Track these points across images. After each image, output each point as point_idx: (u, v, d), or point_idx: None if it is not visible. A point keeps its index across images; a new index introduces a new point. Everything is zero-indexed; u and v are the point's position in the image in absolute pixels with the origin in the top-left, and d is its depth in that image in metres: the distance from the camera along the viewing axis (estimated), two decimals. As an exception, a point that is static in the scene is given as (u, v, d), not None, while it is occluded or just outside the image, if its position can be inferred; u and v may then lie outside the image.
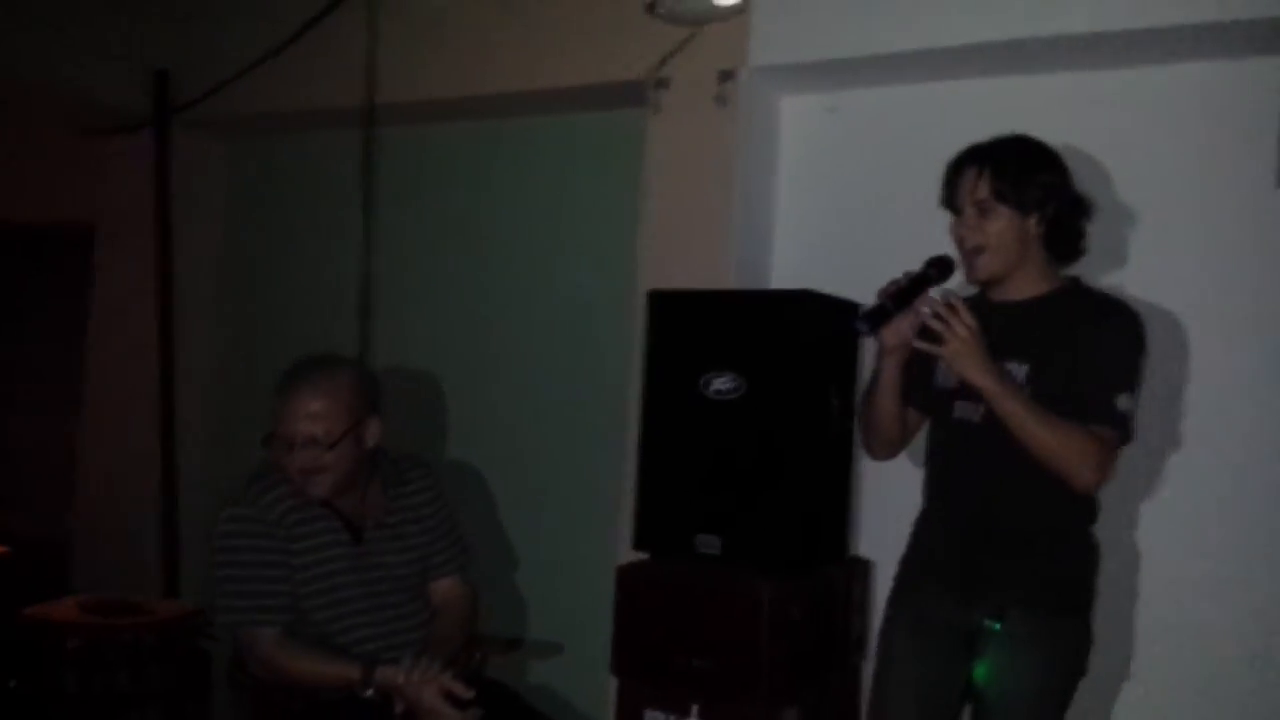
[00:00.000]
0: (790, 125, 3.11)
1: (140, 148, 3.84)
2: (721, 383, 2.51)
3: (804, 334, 2.51)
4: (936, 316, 2.01)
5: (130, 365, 3.92)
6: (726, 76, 2.90)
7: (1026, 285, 2.14)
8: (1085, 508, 2.15)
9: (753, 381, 2.48)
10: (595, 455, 3.25)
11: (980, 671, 2.11)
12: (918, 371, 2.25)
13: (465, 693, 2.13)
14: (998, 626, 2.07)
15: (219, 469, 3.85)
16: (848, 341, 2.79)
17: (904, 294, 2.07)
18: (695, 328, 2.59)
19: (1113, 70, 2.69)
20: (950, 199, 2.18)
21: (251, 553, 2.27)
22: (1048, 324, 2.11)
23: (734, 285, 2.88)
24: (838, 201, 3.04)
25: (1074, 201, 2.14)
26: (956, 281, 2.22)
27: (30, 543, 4.26)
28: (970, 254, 2.14)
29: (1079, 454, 1.97)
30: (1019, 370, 2.08)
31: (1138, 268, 2.64)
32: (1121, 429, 2.01)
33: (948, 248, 2.83)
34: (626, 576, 2.61)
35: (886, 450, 2.36)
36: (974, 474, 2.16)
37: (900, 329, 2.13)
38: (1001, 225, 2.10)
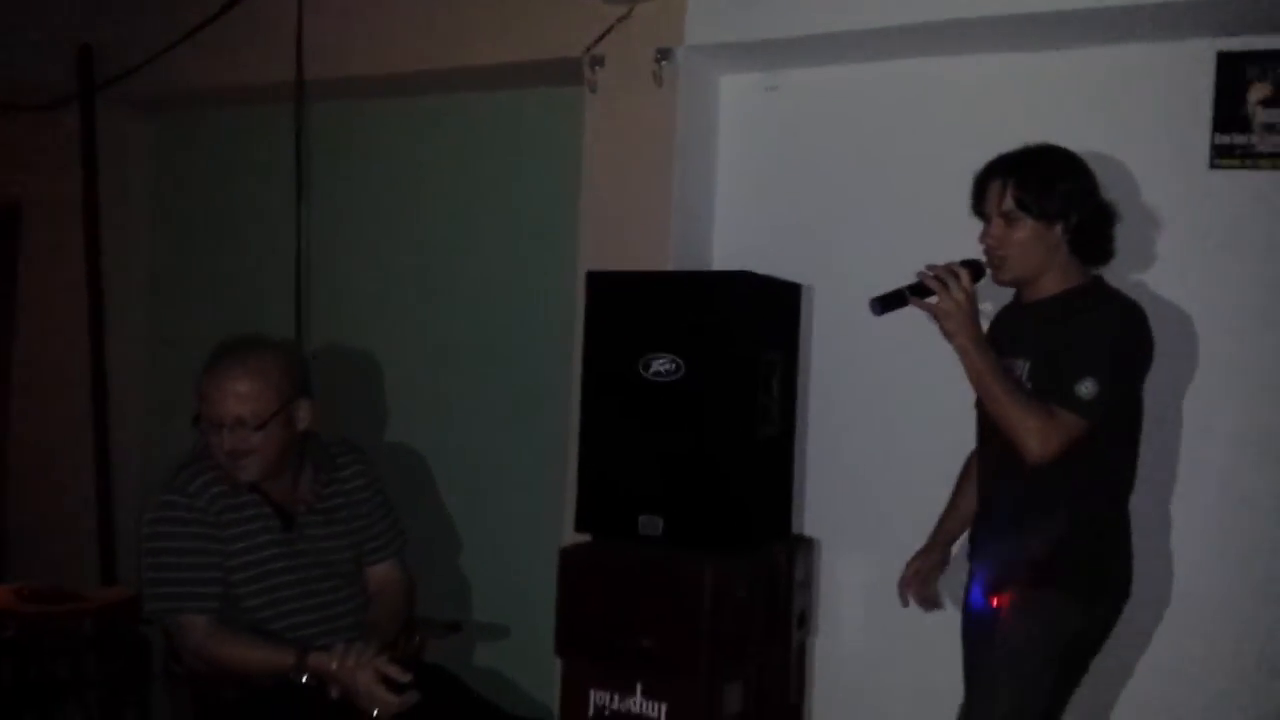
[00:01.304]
0: (730, 105, 3.10)
1: (65, 125, 3.74)
2: (660, 364, 2.52)
3: (741, 314, 2.52)
4: (936, 278, 2.10)
5: (60, 348, 3.85)
6: (663, 55, 2.88)
7: (1050, 285, 2.22)
8: (1089, 491, 2.19)
9: (691, 362, 2.49)
10: (539, 437, 3.25)
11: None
12: None
13: (401, 676, 2.13)
14: (993, 602, 2.20)
15: (154, 454, 3.80)
16: (788, 320, 2.81)
17: (923, 287, 2.13)
18: (634, 309, 2.60)
19: (1048, 51, 2.71)
20: (978, 207, 2.25)
21: (181, 540, 2.24)
22: (1053, 321, 2.17)
23: (674, 266, 2.88)
24: (778, 181, 3.05)
25: (1098, 209, 2.21)
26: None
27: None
28: (997, 260, 2.22)
29: (1029, 427, 2.05)
30: (1021, 366, 2.18)
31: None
32: (1080, 412, 2.06)
33: (883, 224, 2.90)
34: (569, 559, 2.62)
35: None
36: (981, 457, 2.38)
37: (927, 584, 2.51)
38: (1026, 234, 2.17)
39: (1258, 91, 2.51)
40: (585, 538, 2.68)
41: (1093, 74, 2.69)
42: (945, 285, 2.09)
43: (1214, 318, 2.59)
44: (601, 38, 2.94)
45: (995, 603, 2.19)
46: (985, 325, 2.21)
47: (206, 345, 2.44)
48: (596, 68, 2.97)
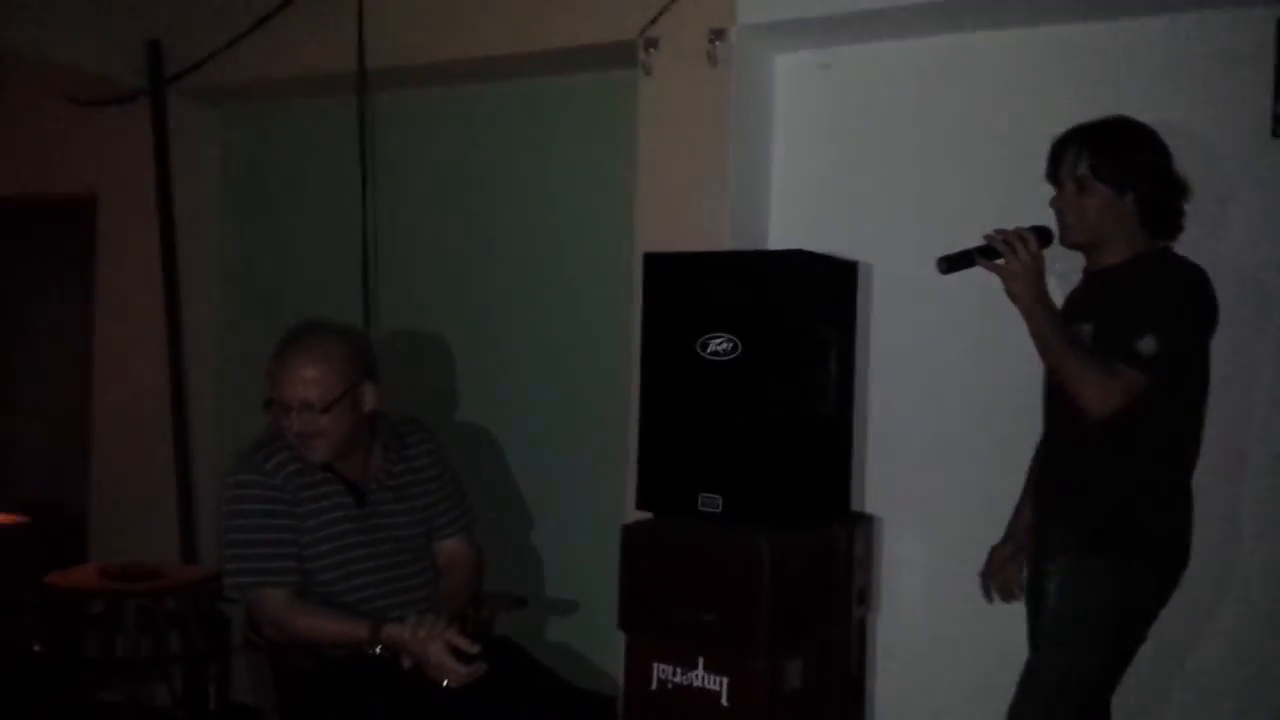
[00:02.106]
0: (784, 83, 3.11)
1: (138, 118, 3.85)
2: (717, 344, 2.55)
3: (796, 293, 2.54)
4: (1005, 240, 2.14)
5: (138, 334, 3.96)
6: (717, 35, 2.89)
7: (1117, 254, 2.26)
8: (1131, 452, 2.21)
9: (748, 342, 2.51)
10: (603, 415, 3.29)
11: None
12: None
13: (470, 647, 2.20)
14: (1051, 568, 2.29)
15: (230, 434, 3.90)
16: (845, 298, 2.82)
17: (993, 251, 2.16)
18: (690, 289, 2.62)
19: (1111, 21, 2.69)
20: (1053, 173, 2.30)
21: (258, 517, 2.32)
22: (1118, 287, 2.22)
23: (730, 246, 2.90)
24: (834, 159, 3.05)
25: (1170, 183, 2.25)
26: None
27: (49, 511, 4.33)
28: (1066, 225, 2.27)
29: (1090, 381, 2.08)
30: (1087, 330, 2.22)
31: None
32: (1140, 367, 2.09)
33: (940, 200, 2.90)
34: (630, 536, 2.66)
35: None
36: (1050, 428, 2.40)
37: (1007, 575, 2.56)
38: (1097, 201, 2.22)
39: (1319, 59, 2.46)
40: (647, 515, 2.72)
41: (1152, 44, 2.66)
42: (1013, 248, 2.12)
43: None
44: (655, 19, 2.96)
45: (1058, 574, 2.24)
46: (1056, 299, 2.24)
47: (277, 329, 2.51)
48: (651, 50, 2.99)
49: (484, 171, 3.57)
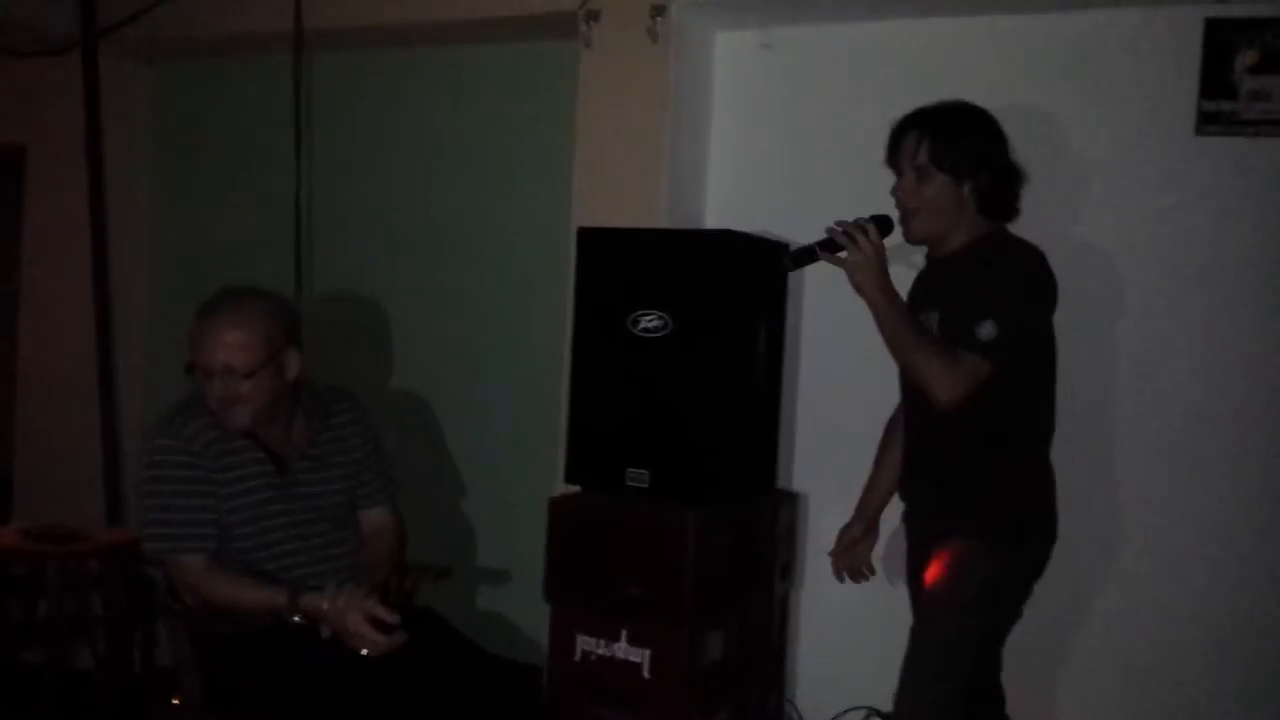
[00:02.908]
0: (725, 62, 3.12)
1: (69, 71, 3.76)
2: (648, 320, 2.57)
3: (727, 272, 2.56)
4: (845, 233, 2.12)
5: (65, 290, 3.89)
6: (658, 11, 2.89)
7: (955, 240, 2.26)
8: (1011, 441, 2.25)
9: (678, 319, 2.54)
10: (538, 387, 3.30)
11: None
12: None
13: (389, 617, 2.20)
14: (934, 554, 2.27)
15: (157, 396, 3.85)
16: (776, 278, 2.84)
17: (832, 242, 2.14)
18: (623, 266, 2.64)
19: (1039, 14, 2.74)
20: (892, 160, 2.30)
21: (176, 482, 2.30)
22: (959, 273, 2.23)
23: (667, 223, 2.92)
24: (773, 139, 3.08)
25: (1008, 170, 2.26)
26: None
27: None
28: (907, 215, 2.26)
29: (934, 372, 2.08)
30: (932, 317, 2.22)
31: (1064, 207, 2.72)
32: (983, 354, 2.09)
33: (879, 185, 2.91)
34: (558, 509, 2.68)
35: None
36: (911, 416, 2.38)
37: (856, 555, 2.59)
38: (936, 190, 2.21)
39: (1245, 58, 2.52)
40: (576, 489, 2.74)
41: (1082, 39, 2.72)
42: (854, 240, 2.11)
43: (1197, 284, 2.63)
44: (597, -8, 2.95)
45: (932, 559, 2.25)
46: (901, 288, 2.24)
47: (207, 291, 2.47)
48: (591, 23, 2.98)
49: (421, 137, 3.54)
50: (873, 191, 2.87)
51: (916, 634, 2.28)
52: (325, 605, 2.19)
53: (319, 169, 3.59)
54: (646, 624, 2.56)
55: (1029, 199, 2.63)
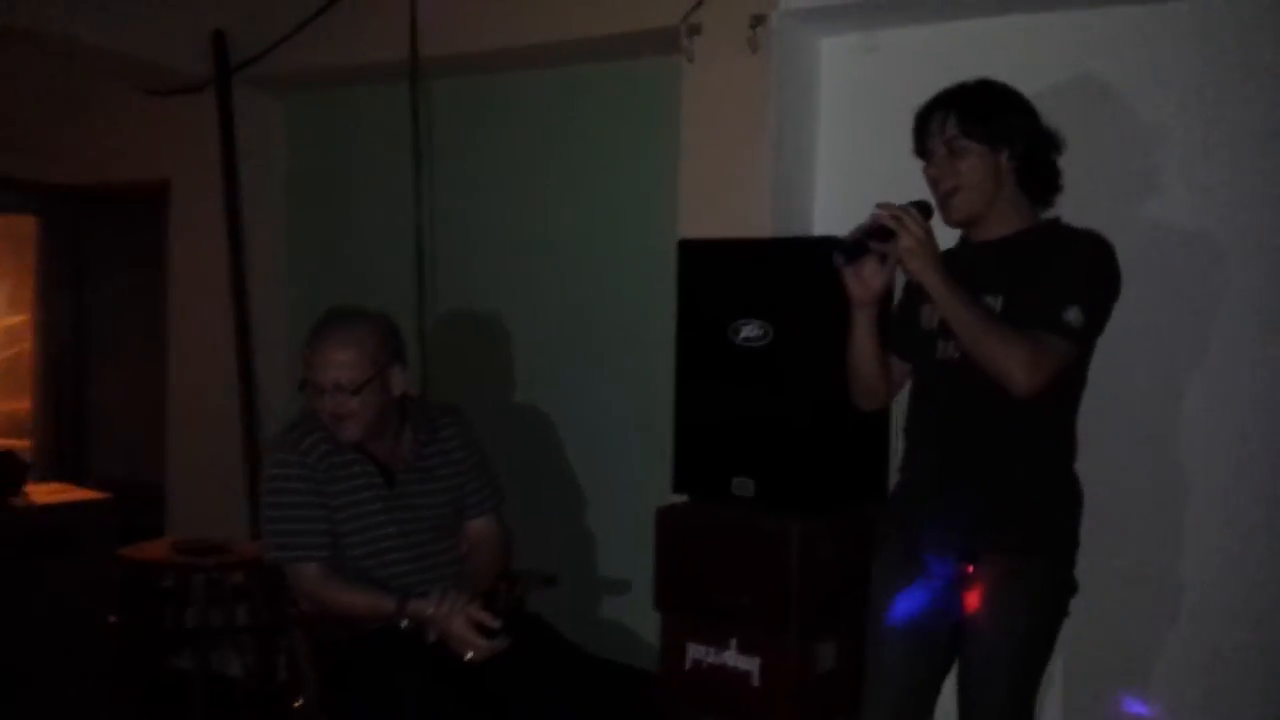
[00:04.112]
0: (830, 67, 3.10)
1: (207, 107, 3.97)
2: (749, 330, 2.58)
3: (828, 280, 2.53)
4: (894, 217, 2.02)
5: (208, 316, 4.10)
6: (758, 21, 2.90)
7: (1003, 224, 2.16)
8: (1059, 449, 2.16)
9: (779, 328, 2.54)
10: (653, 398, 3.32)
11: (963, 619, 2.16)
12: (901, 317, 2.31)
13: (491, 622, 2.28)
14: (970, 569, 2.12)
15: (296, 414, 4.01)
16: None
17: (884, 231, 2.04)
18: (723, 276, 2.66)
19: (1151, 5, 2.65)
20: (921, 145, 2.21)
21: (293, 494, 2.43)
22: (1022, 258, 2.12)
23: (774, 233, 2.91)
24: (882, 143, 3.00)
25: (1044, 136, 2.17)
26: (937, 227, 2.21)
27: (128, 488, 4.51)
28: (945, 196, 2.16)
29: (1017, 355, 1.96)
30: (994, 303, 2.10)
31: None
32: (1067, 337, 2.00)
33: None
34: (665, 518, 2.71)
35: (870, 400, 2.35)
36: (953, 413, 2.19)
37: (870, 283, 2.12)
38: (973, 162, 2.12)
39: None
40: (684, 498, 2.76)
41: (1194, 26, 2.61)
42: (904, 224, 2.01)
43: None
44: (698, 5, 2.97)
45: (982, 570, 2.11)
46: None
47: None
48: (694, 36, 3.00)
49: (533, 156, 3.62)
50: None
51: (973, 673, 2.15)
52: (431, 611, 2.28)
53: (439, 191, 3.71)
54: (755, 633, 2.56)
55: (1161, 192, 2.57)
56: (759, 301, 2.57)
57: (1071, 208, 2.24)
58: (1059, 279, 2.04)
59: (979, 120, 2.11)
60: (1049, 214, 2.23)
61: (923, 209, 2.09)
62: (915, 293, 2.21)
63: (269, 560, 2.47)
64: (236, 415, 4.05)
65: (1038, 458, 2.14)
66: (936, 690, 2.26)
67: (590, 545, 3.56)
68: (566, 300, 3.58)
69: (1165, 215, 2.65)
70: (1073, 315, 1.99)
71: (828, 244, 2.51)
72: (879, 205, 2.06)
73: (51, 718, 3.68)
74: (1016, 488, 2.12)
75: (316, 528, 2.42)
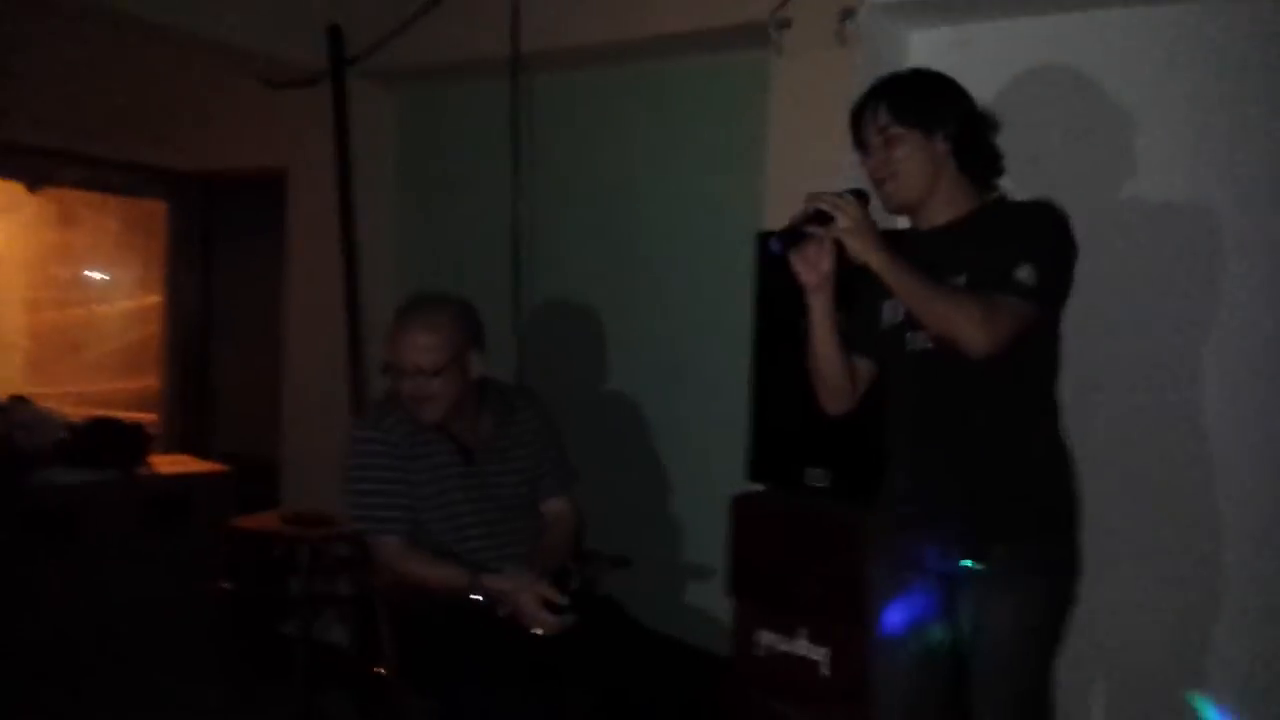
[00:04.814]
0: (920, 61, 3.06)
1: (321, 98, 4.14)
2: (824, 321, 2.59)
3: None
4: (828, 201, 2.02)
5: (321, 301, 4.28)
6: (847, 14, 2.90)
7: (950, 207, 2.14)
8: (1048, 421, 2.14)
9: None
10: (736, 389, 3.36)
11: (967, 616, 2.13)
12: (863, 315, 2.27)
13: (559, 599, 2.38)
14: (979, 567, 2.09)
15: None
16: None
17: (821, 215, 2.02)
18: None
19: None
20: (857, 139, 2.20)
21: (376, 470, 2.56)
22: (978, 236, 2.10)
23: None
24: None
25: (978, 118, 2.17)
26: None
27: (247, 461, 4.76)
28: (881, 183, 2.15)
29: (971, 315, 1.93)
30: (958, 281, 2.06)
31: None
32: (1019, 294, 1.97)
33: (1083, 174, 2.84)
34: (740, 506, 2.75)
35: (836, 401, 2.29)
36: (934, 403, 2.16)
37: (817, 264, 2.10)
38: (907, 148, 2.11)
39: None
40: (758, 487, 2.81)
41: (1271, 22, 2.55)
42: (840, 208, 2.00)
43: None
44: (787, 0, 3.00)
45: (994, 563, 2.08)
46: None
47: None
48: (783, 30, 3.03)
49: (626, 150, 3.69)
50: (1078, 179, 2.83)
51: (985, 670, 2.13)
52: (502, 586, 2.38)
53: (537, 184, 3.80)
54: (825, 623, 2.59)
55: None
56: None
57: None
58: (1009, 243, 2.02)
59: (910, 106, 2.11)
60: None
61: (859, 195, 2.08)
62: (871, 290, 2.18)
63: (353, 532, 2.60)
64: (345, 395, 4.22)
65: (1026, 432, 2.12)
66: (949, 696, 2.22)
67: (670, 530, 3.62)
68: (654, 291, 3.64)
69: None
70: (1024, 273, 1.97)
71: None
72: (809, 195, 2.05)
73: (164, 677, 3.91)
74: (1012, 467, 2.10)
75: (398, 502, 2.54)
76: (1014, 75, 2.95)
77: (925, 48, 3.07)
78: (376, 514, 2.55)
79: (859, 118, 2.18)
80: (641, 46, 3.43)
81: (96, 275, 5.45)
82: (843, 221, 1.99)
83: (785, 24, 3.02)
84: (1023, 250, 2.00)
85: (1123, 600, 2.72)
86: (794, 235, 2.06)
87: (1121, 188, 2.79)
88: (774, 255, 2.09)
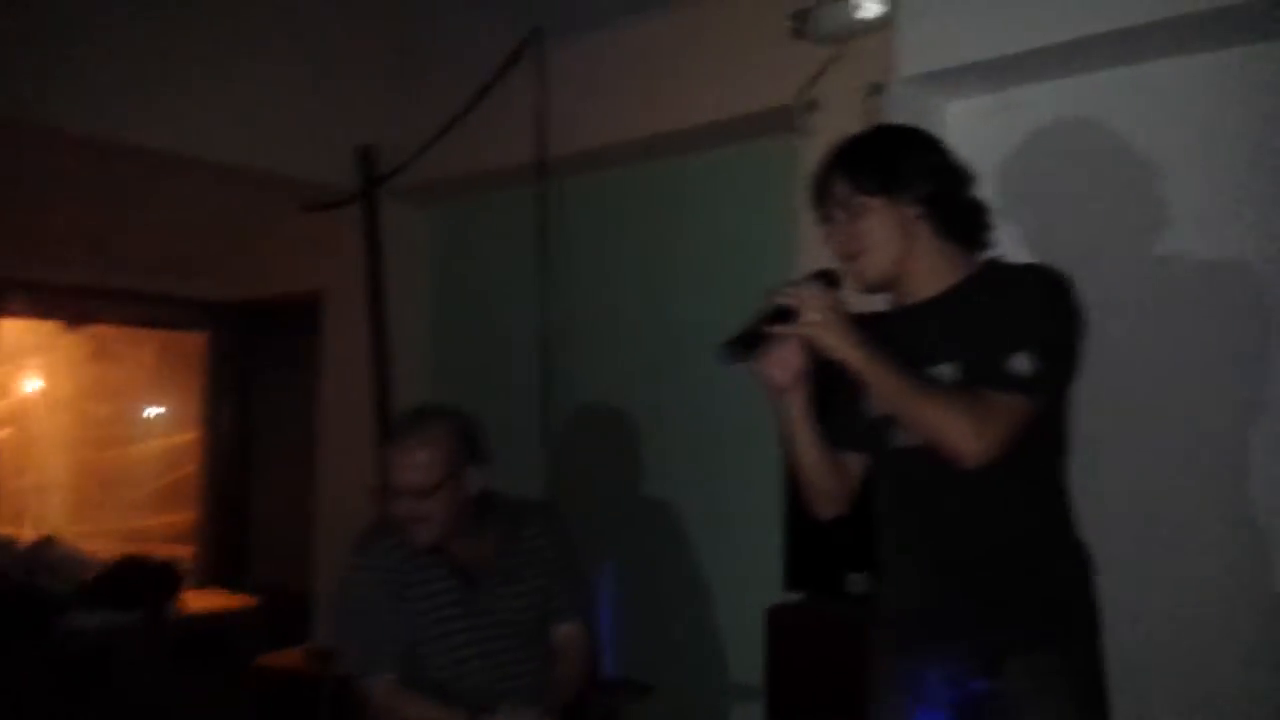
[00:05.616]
0: (960, 131, 2.90)
1: (352, 219, 4.09)
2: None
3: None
4: (791, 295, 1.76)
5: (354, 423, 4.15)
6: (875, 90, 2.76)
7: (934, 279, 1.86)
8: (1058, 512, 1.85)
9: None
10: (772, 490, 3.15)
11: None
12: (842, 409, 1.96)
13: None
14: (991, 686, 1.76)
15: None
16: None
17: (780, 312, 1.76)
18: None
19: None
20: (822, 214, 1.93)
21: (367, 602, 2.35)
22: (967, 313, 1.81)
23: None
24: (1018, 204, 2.80)
25: (950, 173, 1.88)
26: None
27: (281, 593, 4.58)
28: (851, 261, 1.88)
29: (955, 418, 1.66)
30: (947, 372, 1.79)
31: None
32: (1017, 389, 1.68)
33: (1145, 235, 2.61)
34: (776, 619, 2.48)
35: (826, 505, 1.99)
36: (927, 505, 1.86)
37: (790, 362, 1.83)
38: (872, 220, 1.84)
39: None
40: (797, 595, 2.54)
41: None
42: (804, 300, 1.73)
43: None
44: (813, 81, 2.86)
45: (1010, 680, 1.76)
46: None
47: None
48: (810, 113, 2.88)
49: (653, 247, 3.60)
50: (1133, 244, 2.61)
51: None
52: None
53: (568, 287, 3.68)
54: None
55: None
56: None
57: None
58: (1001, 326, 1.74)
59: (870, 172, 1.84)
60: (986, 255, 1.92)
61: (827, 278, 1.82)
62: (851, 379, 1.81)
63: (340, 671, 2.37)
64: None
65: (1036, 533, 1.82)
66: None
67: (709, 644, 3.35)
68: (686, 392, 3.46)
69: None
70: (1020, 363, 1.69)
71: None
72: (769, 291, 1.79)
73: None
74: (1022, 573, 1.80)
75: (389, 636, 2.33)
76: (1062, 136, 2.76)
77: (965, 117, 2.88)
78: (364, 652, 2.34)
79: (819, 190, 1.92)
80: (666, 142, 3.34)
81: (134, 412, 5.41)
82: (809, 315, 1.73)
83: (812, 106, 2.88)
84: (1017, 334, 1.72)
85: None
86: (750, 340, 1.78)
87: (1168, 243, 2.57)
88: (723, 364, 1.79)
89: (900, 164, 1.85)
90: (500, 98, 3.62)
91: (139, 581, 4.36)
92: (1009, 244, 2.74)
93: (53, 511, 4.95)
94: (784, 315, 1.75)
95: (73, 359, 5.12)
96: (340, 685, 3.39)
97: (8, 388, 5.07)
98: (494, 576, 2.42)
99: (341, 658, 2.38)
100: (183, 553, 4.79)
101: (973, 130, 2.86)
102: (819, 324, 1.73)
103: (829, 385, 1.90)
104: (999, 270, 1.87)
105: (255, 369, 5.17)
